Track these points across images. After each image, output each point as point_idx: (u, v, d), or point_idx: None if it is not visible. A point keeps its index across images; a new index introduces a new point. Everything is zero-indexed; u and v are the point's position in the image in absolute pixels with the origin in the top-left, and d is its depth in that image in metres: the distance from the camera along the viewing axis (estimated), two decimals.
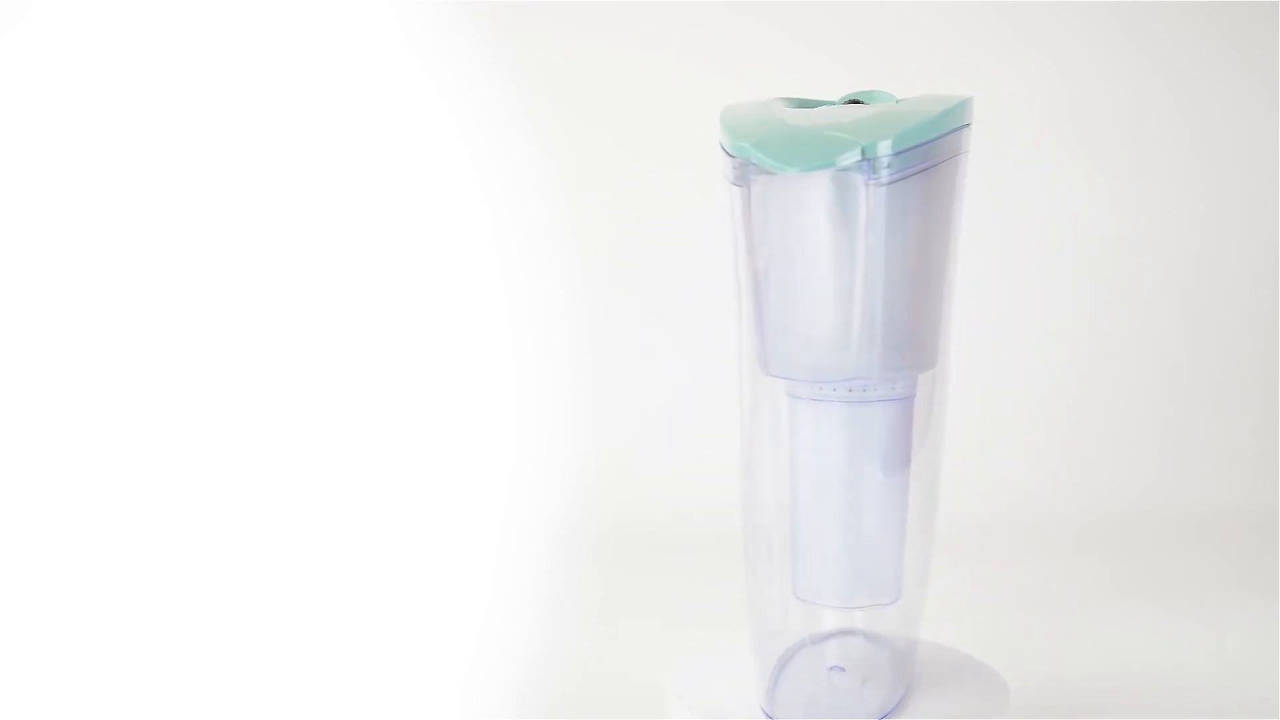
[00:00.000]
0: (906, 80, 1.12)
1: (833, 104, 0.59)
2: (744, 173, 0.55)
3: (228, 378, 1.10)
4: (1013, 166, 1.13)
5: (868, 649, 0.62)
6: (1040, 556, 0.99)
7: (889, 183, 0.54)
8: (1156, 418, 1.19)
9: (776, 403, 0.60)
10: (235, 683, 0.72)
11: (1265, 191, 1.22)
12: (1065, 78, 1.20)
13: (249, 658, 0.76)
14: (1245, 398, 1.20)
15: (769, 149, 0.53)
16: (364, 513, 1.05)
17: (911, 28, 1.19)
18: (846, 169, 0.53)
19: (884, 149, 0.53)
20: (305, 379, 1.11)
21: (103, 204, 1.11)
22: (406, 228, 1.14)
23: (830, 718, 0.59)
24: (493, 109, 1.16)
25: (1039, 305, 1.18)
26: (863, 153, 0.53)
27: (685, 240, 1.11)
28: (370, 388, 1.12)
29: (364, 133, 1.14)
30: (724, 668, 0.65)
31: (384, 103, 1.15)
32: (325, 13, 1.14)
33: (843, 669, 0.62)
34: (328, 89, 1.14)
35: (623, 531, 1.03)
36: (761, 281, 0.57)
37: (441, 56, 1.16)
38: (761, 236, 0.56)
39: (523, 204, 1.15)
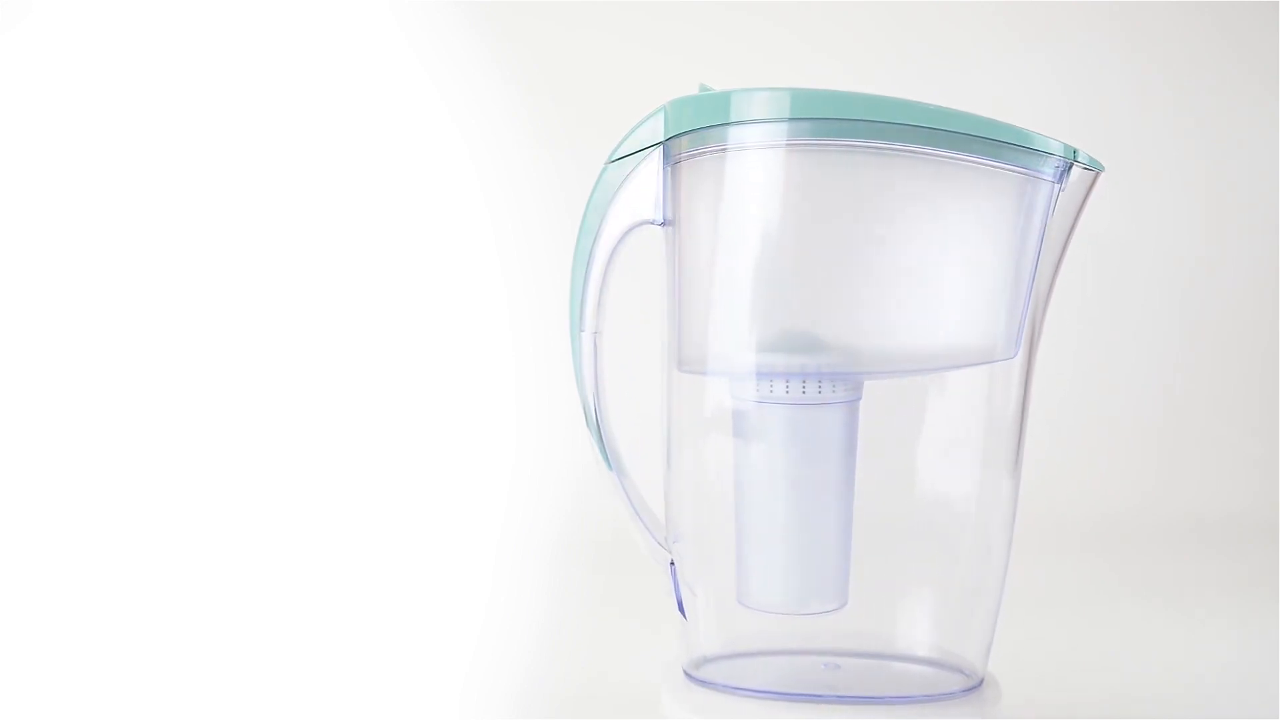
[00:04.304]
0: (908, 79, 1.12)
1: None
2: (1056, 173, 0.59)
3: (228, 385, 1.10)
4: None
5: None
6: (1040, 557, 0.99)
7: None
8: (1155, 419, 1.19)
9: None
10: (237, 684, 0.72)
11: (1265, 191, 1.22)
12: (1065, 78, 1.20)
13: (251, 659, 0.76)
14: (1246, 399, 1.20)
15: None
16: (364, 517, 1.05)
17: (912, 27, 1.19)
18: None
19: None
20: (304, 383, 1.11)
21: (104, 203, 1.11)
22: (406, 229, 1.14)
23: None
24: (493, 109, 1.16)
25: None
26: None
27: None
28: (370, 391, 1.12)
29: (364, 133, 1.14)
30: None
31: (384, 103, 1.15)
32: (325, 13, 1.14)
33: (838, 665, 0.61)
34: (328, 89, 1.14)
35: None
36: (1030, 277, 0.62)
37: (441, 56, 1.16)
38: (1061, 233, 0.62)
39: (523, 204, 1.15)
